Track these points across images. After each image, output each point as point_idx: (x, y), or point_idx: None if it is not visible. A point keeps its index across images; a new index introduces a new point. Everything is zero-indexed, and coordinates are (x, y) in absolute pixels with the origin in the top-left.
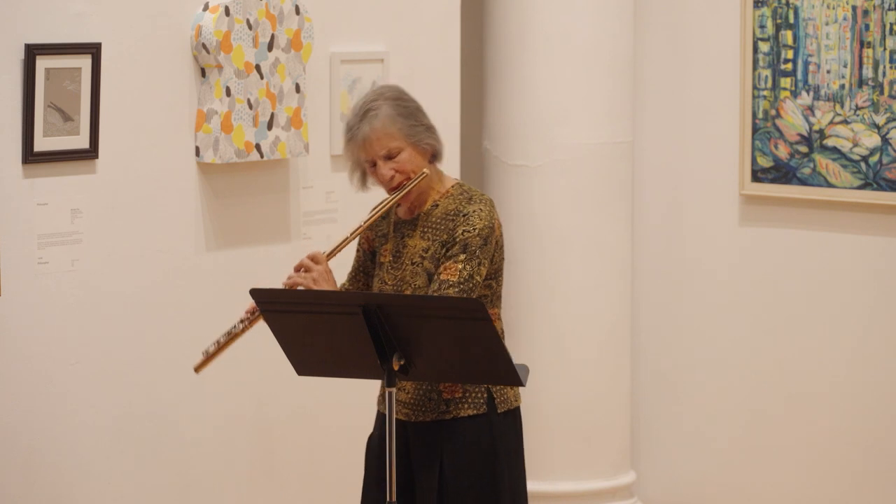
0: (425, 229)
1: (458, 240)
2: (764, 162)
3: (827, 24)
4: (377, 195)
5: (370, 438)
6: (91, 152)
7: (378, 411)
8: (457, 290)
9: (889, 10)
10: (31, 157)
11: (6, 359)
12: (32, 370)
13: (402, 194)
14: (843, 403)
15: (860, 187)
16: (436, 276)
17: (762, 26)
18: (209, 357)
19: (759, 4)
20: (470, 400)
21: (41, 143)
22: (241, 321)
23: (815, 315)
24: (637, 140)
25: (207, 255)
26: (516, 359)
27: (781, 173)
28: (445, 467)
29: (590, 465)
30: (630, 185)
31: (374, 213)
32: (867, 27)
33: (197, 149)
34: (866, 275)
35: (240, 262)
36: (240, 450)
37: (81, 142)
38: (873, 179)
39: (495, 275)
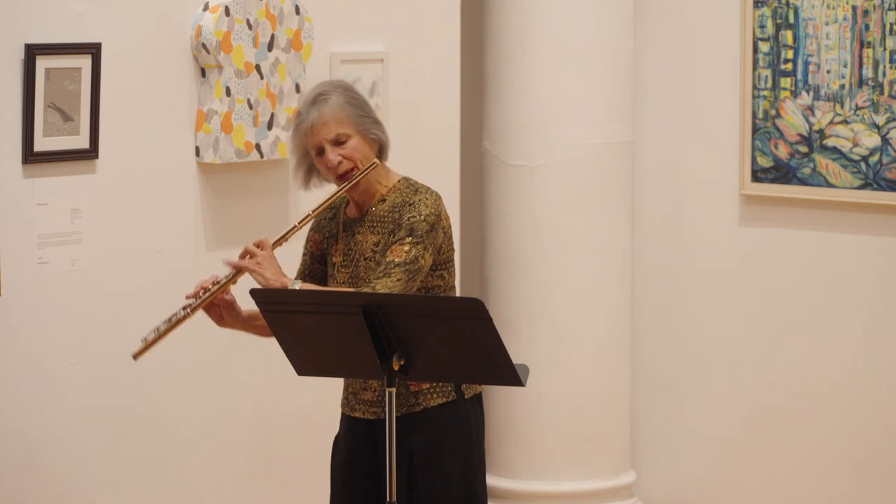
0: (374, 224)
1: (404, 224)
2: (764, 162)
3: (827, 24)
4: (321, 196)
5: (336, 440)
6: (91, 152)
7: (342, 413)
8: (402, 269)
9: (889, 10)
10: (31, 157)
11: (6, 359)
12: (32, 370)
13: (352, 182)
14: (843, 403)
15: (860, 187)
16: (382, 259)
17: (762, 26)
18: (148, 345)
19: (759, 4)
20: (438, 389)
21: (41, 143)
22: (184, 308)
23: (815, 315)
24: (637, 140)
25: (207, 255)
26: (516, 359)
27: (781, 173)
28: (416, 456)
29: (590, 465)
30: (630, 185)
31: (322, 203)
32: (867, 27)
33: (197, 149)
34: (866, 275)
35: None
36: (239, 450)
37: (81, 142)
38: (873, 179)
39: (446, 265)
